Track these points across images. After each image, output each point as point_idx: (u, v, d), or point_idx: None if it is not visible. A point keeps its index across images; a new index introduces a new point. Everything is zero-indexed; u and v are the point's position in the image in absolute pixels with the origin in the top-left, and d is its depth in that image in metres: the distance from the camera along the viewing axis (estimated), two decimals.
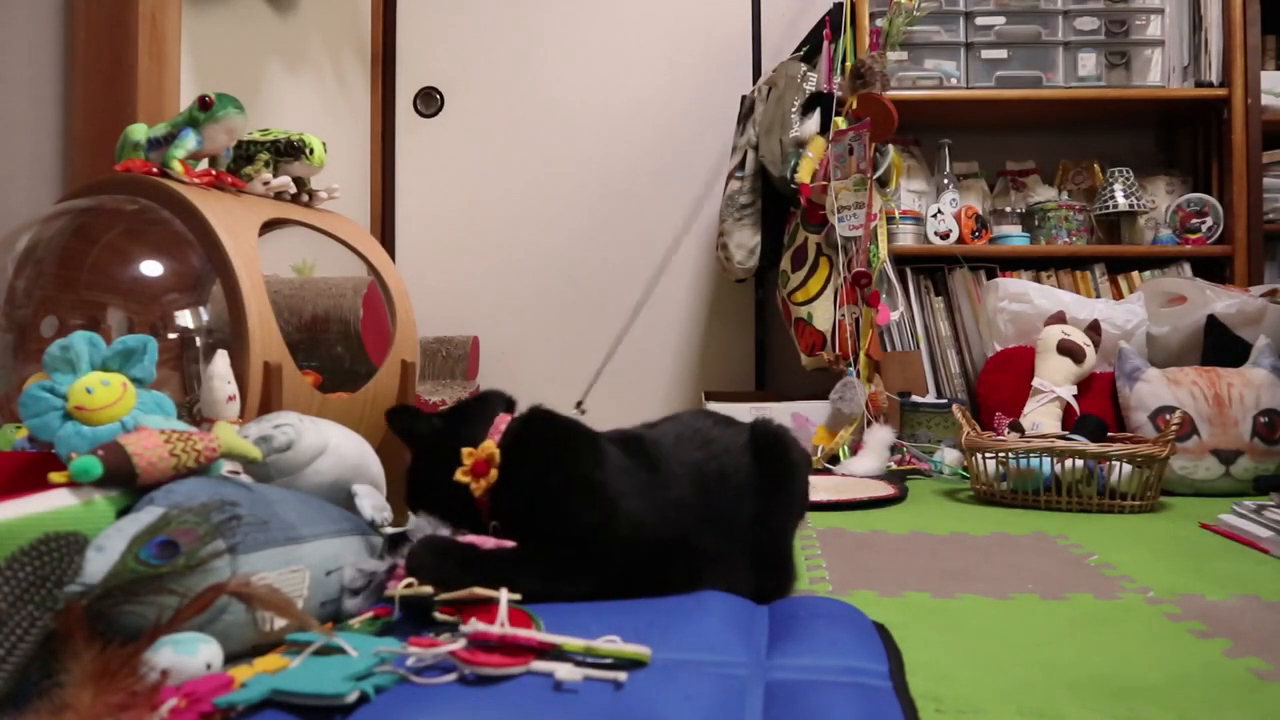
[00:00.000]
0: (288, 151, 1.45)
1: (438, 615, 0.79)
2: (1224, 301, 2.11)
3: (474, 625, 0.72)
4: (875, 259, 2.30)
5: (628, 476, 0.92)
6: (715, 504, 0.95)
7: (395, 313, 1.57)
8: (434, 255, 3.00)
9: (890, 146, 2.32)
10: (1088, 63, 2.48)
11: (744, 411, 2.29)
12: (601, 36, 2.98)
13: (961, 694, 0.77)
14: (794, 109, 2.45)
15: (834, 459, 2.19)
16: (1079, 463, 1.66)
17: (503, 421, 0.97)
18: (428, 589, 0.81)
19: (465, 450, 0.94)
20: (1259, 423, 1.86)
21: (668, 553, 0.92)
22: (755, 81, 2.84)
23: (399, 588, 0.82)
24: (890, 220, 2.42)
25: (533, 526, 0.90)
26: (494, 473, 0.92)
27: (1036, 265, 2.50)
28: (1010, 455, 1.71)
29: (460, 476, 0.93)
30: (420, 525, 0.94)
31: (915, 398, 2.27)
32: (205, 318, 1.43)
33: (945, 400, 2.27)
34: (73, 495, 0.77)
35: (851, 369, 2.29)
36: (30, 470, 0.86)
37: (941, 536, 1.45)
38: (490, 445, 0.93)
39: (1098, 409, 2.02)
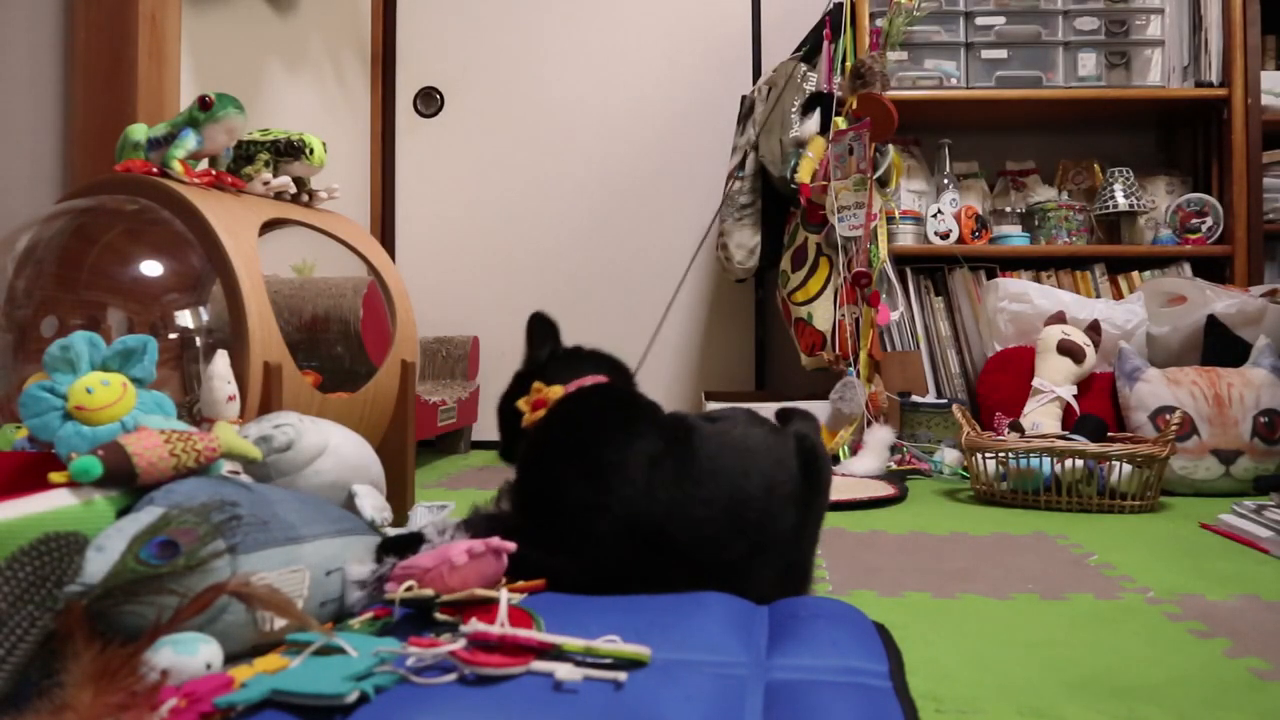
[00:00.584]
0: (288, 151, 1.45)
1: (438, 616, 0.79)
2: (1224, 301, 2.11)
3: (474, 625, 0.72)
4: (875, 259, 2.30)
5: (650, 468, 0.92)
6: (753, 513, 0.93)
7: (395, 313, 1.57)
8: (434, 255, 3.00)
9: (890, 146, 2.32)
10: (1088, 63, 2.48)
11: None
12: (601, 37, 2.98)
13: (961, 694, 0.77)
14: (794, 109, 2.45)
15: (834, 459, 2.19)
16: (1079, 463, 1.66)
17: (588, 380, 1.02)
18: (428, 591, 0.81)
19: (536, 384, 1.02)
20: (1259, 423, 1.86)
21: (680, 554, 0.91)
22: (755, 81, 2.84)
23: (399, 590, 0.82)
24: (890, 220, 2.42)
25: (534, 486, 0.96)
26: (541, 413, 1.00)
27: (1036, 265, 2.50)
28: (1010, 455, 1.71)
29: (521, 403, 1.02)
30: (426, 530, 0.94)
31: (915, 398, 2.27)
32: (205, 318, 1.43)
33: (945, 400, 2.27)
34: (73, 495, 0.77)
35: (851, 369, 2.29)
36: (30, 470, 0.86)
37: (941, 536, 1.45)
38: (558, 390, 1.00)
39: (1098, 409, 2.02)
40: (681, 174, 2.95)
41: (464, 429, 2.69)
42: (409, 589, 0.82)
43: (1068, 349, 2.07)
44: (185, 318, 1.44)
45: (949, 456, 2.12)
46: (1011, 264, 2.51)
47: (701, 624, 0.81)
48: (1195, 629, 0.96)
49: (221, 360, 1.14)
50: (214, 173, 1.34)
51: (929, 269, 2.52)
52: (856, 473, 2.05)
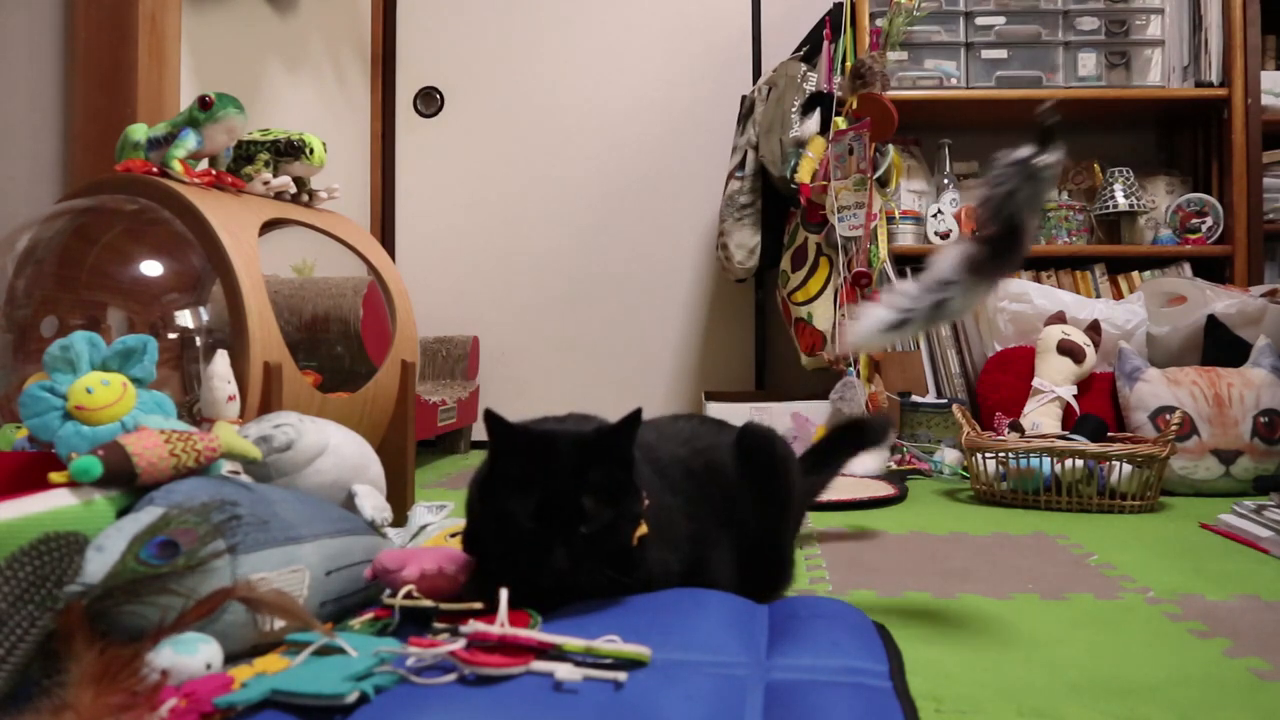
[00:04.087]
0: (288, 151, 1.45)
1: (437, 624, 0.79)
2: (1224, 301, 2.11)
3: (474, 625, 0.72)
4: (875, 259, 2.29)
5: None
6: (709, 504, 0.96)
7: (395, 313, 1.57)
8: (434, 255, 3.00)
9: (890, 146, 2.32)
10: (1088, 63, 2.48)
11: (744, 411, 2.30)
12: (601, 37, 2.98)
13: (961, 694, 0.77)
14: (794, 109, 2.45)
15: None
16: (1079, 463, 1.66)
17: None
18: (428, 601, 0.81)
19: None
20: (1259, 423, 1.86)
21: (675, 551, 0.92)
22: (755, 81, 2.83)
23: (399, 597, 0.82)
24: (890, 220, 2.42)
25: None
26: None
27: (1036, 265, 2.50)
28: (1010, 455, 1.71)
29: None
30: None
31: (915, 398, 2.27)
32: (205, 318, 1.43)
33: (945, 400, 2.27)
34: (73, 495, 0.77)
35: (851, 369, 2.28)
36: (30, 470, 0.86)
37: (941, 536, 1.45)
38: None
39: (1098, 409, 2.02)
40: (681, 174, 2.95)
41: (464, 429, 2.69)
42: (408, 595, 0.81)
43: (1068, 349, 2.07)
44: (185, 318, 1.44)
45: (949, 456, 2.11)
46: None
47: (701, 624, 0.81)
48: (1195, 629, 0.96)
49: (221, 360, 1.14)
50: (214, 173, 1.34)
51: None
52: (856, 473, 2.04)
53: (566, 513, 0.79)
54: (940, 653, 0.88)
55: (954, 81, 2.50)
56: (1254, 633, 0.95)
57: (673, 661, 0.73)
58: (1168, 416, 1.79)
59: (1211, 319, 2.09)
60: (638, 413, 0.83)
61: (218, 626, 0.71)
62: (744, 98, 2.71)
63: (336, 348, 1.68)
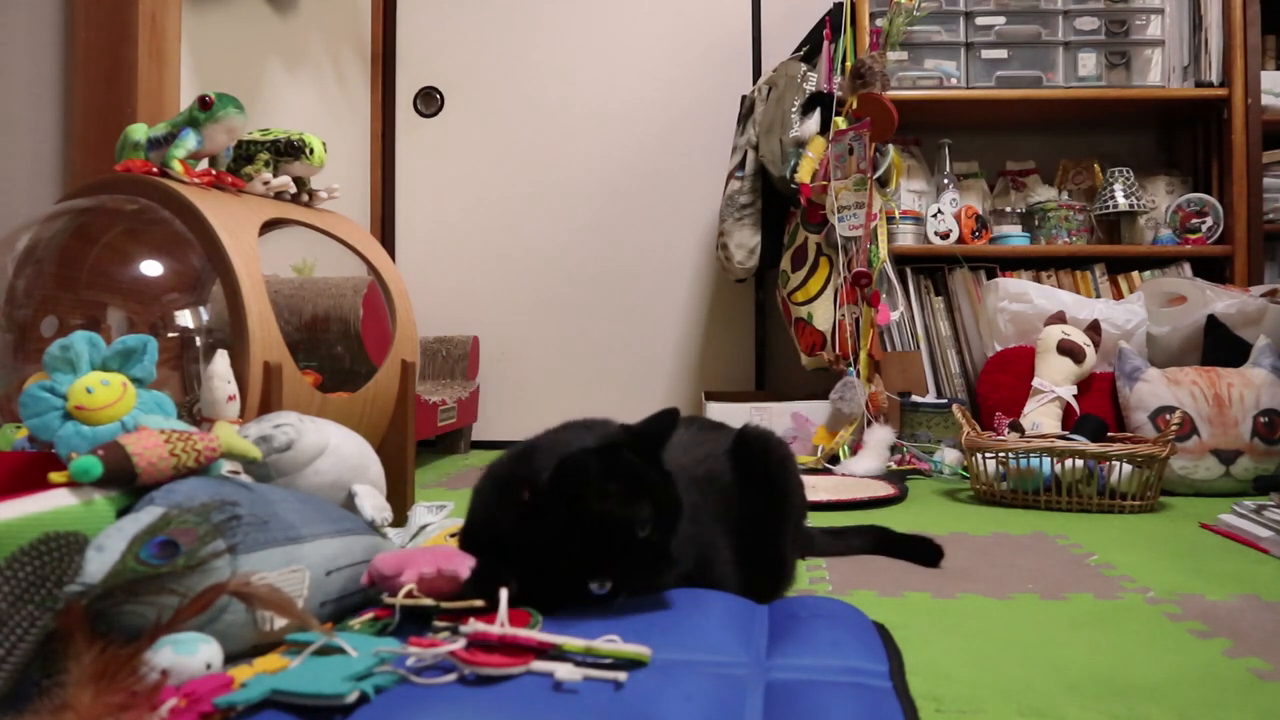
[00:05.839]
0: (288, 151, 1.45)
1: (437, 623, 0.79)
2: (1224, 301, 2.11)
3: (474, 625, 0.72)
4: (875, 259, 2.29)
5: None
6: (712, 512, 0.96)
7: (395, 313, 1.57)
8: (434, 255, 3.00)
9: (890, 146, 2.32)
10: (1088, 63, 2.48)
11: (744, 412, 2.30)
12: (602, 36, 2.98)
13: (961, 694, 0.77)
14: (794, 109, 2.45)
15: (834, 459, 2.19)
16: (1079, 463, 1.66)
17: None
18: (428, 600, 0.81)
19: None
20: (1259, 423, 1.86)
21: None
22: (755, 81, 2.84)
23: (399, 597, 0.82)
24: (890, 220, 2.42)
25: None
26: None
27: (1036, 265, 2.50)
28: (1010, 455, 1.71)
29: None
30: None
31: (915, 398, 2.27)
32: (205, 318, 1.43)
33: (945, 400, 2.27)
34: (73, 495, 0.77)
35: (851, 369, 2.29)
36: (30, 470, 0.86)
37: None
38: None
39: (1098, 409, 2.02)
40: (681, 174, 2.95)
41: (464, 429, 2.69)
42: (408, 595, 0.81)
43: (1068, 349, 2.07)
44: (185, 318, 1.44)
45: (949, 456, 2.11)
46: (1011, 264, 2.51)
47: (701, 624, 0.81)
48: (1195, 629, 0.96)
49: (221, 360, 1.14)
50: (214, 173, 1.34)
51: (929, 269, 2.51)
52: (856, 473, 2.05)
53: (622, 537, 0.80)
54: (940, 653, 0.88)
55: (954, 81, 2.50)
56: (1254, 633, 0.95)
57: (673, 661, 0.73)
58: (1168, 416, 1.79)
59: (1211, 319, 2.10)
60: (674, 411, 0.85)
61: (218, 626, 0.71)
62: (744, 98, 2.71)
63: (336, 348, 1.68)
